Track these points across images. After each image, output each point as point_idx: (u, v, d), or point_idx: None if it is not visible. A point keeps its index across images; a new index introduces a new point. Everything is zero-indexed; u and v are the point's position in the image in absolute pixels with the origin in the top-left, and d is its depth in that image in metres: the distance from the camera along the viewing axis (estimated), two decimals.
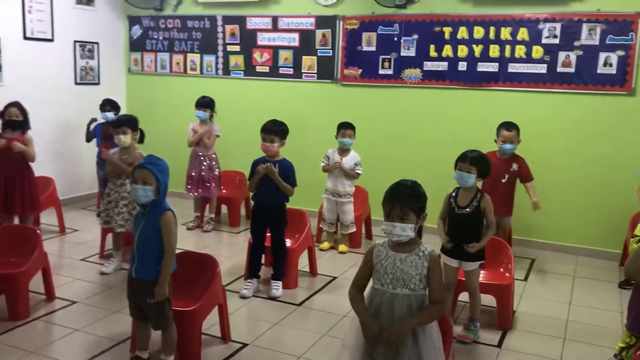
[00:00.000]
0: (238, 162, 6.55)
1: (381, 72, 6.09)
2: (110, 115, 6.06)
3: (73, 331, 3.68)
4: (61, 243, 5.46)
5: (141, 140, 4.76)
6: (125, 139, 4.57)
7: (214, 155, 5.95)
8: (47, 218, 5.88)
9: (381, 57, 6.07)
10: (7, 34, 5.95)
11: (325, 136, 6.11)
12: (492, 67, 5.67)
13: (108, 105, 6.18)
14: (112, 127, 4.67)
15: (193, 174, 5.91)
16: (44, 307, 4.01)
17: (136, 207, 4.58)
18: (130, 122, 4.64)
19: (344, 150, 5.36)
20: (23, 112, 5.02)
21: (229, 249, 5.49)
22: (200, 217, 6.12)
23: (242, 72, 6.78)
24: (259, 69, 6.68)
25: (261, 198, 4.30)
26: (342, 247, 5.40)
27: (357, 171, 5.33)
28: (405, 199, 2.51)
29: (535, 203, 4.86)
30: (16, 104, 5.00)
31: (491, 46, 5.64)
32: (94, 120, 6.26)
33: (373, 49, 6.09)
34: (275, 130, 4.24)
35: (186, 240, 5.54)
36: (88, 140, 6.30)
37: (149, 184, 2.99)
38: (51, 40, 6.44)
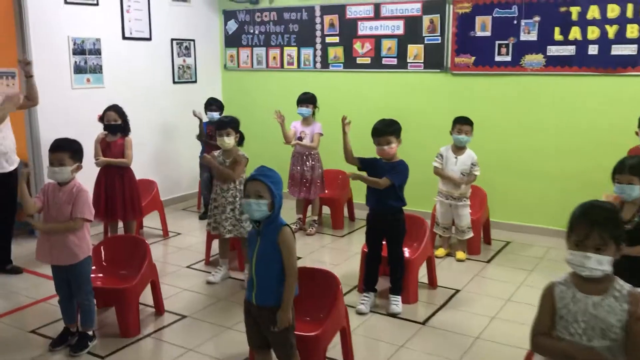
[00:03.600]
0: (340, 161, 6.16)
1: (497, 59, 5.53)
2: (216, 115, 5.91)
3: (185, 351, 3.45)
4: (165, 248, 5.33)
5: (240, 142, 4.49)
6: (229, 140, 4.33)
7: (316, 155, 5.62)
8: (150, 221, 5.77)
9: (497, 42, 5.50)
10: (107, 34, 5.88)
11: (433, 131, 5.67)
12: (630, 49, 4.98)
13: (214, 104, 6.04)
14: (215, 128, 4.44)
15: (295, 174, 5.61)
16: (153, 322, 3.83)
17: (244, 212, 4.33)
18: (233, 124, 4.39)
19: (459, 148, 4.86)
20: (121, 115, 4.89)
21: (335, 255, 5.16)
22: (302, 219, 5.83)
23: (341, 64, 6.40)
24: (359, 60, 6.28)
25: (375, 203, 3.92)
26: (460, 255, 4.93)
27: (475, 172, 4.83)
28: (605, 223, 1.99)
29: None
30: (114, 108, 4.87)
31: (629, 26, 4.95)
32: (197, 114, 6.09)
33: (488, 34, 5.54)
34: (389, 130, 3.83)
35: None
36: (201, 138, 6.13)
37: (263, 197, 2.67)
38: (149, 39, 6.33)
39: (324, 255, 5.15)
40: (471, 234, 4.95)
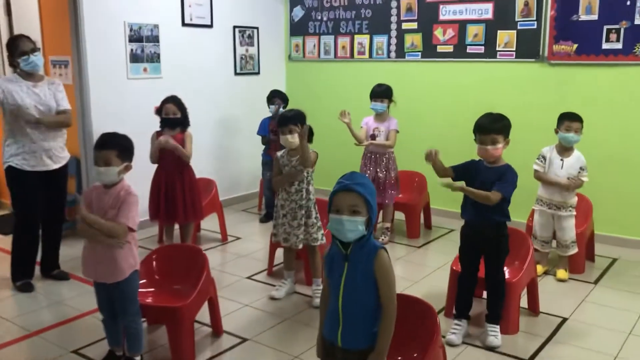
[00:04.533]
0: (416, 161, 5.56)
1: (605, 46, 4.76)
2: (280, 109, 5.41)
3: None
4: (223, 255, 4.84)
5: (309, 139, 3.92)
6: (293, 139, 3.75)
7: (392, 155, 5.01)
8: (207, 223, 5.30)
9: (606, 27, 4.74)
10: (165, 20, 5.43)
11: (526, 130, 4.97)
12: None
13: (277, 97, 5.51)
14: (277, 125, 3.88)
15: (367, 176, 5.01)
16: (210, 346, 3.32)
17: (311, 215, 3.77)
18: (298, 119, 3.81)
19: (565, 149, 4.16)
20: (181, 108, 4.45)
21: (413, 270, 4.53)
22: (373, 226, 5.23)
23: (419, 53, 5.76)
24: (440, 48, 5.62)
25: (473, 215, 3.27)
26: (562, 274, 4.22)
27: (583, 178, 4.11)
28: None
29: None
30: (173, 100, 4.43)
31: None
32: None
33: (594, 17, 4.78)
34: (497, 127, 3.18)
35: None
36: (264, 142, 5.63)
37: (359, 213, 2.09)
38: (210, 26, 5.86)
39: (400, 270, 4.53)
40: (575, 250, 4.23)
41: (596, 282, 4.21)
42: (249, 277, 4.31)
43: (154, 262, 3.41)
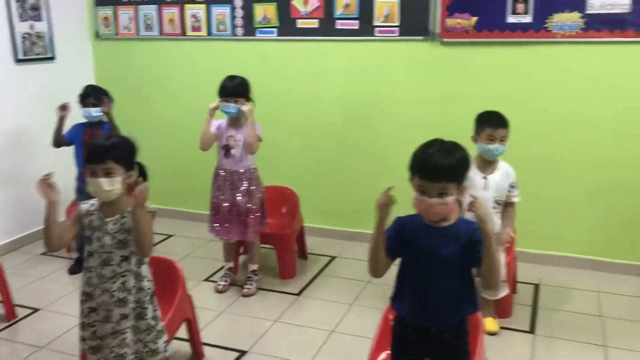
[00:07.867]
0: (276, 173, 4.29)
1: (511, 19, 3.78)
2: (96, 112, 3.78)
3: None
4: (10, 350, 3.13)
5: (141, 177, 2.39)
6: (110, 185, 2.19)
7: (255, 171, 3.64)
8: None
9: None
10: None
11: (417, 132, 3.82)
12: None
13: (92, 96, 3.83)
14: (88, 158, 2.31)
15: (221, 204, 3.60)
16: None
17: (146, 314, 2.30)
18: (121, 149, 2.26)
19: (488, 163, 3.11)
20: None
21: (300, 344, 3.21)
22: (233, 269, 3.87)
23: (274, 30, 4.39)
24: (302, 23, 4.29)
25: (422, 311, 2.00)
26: (492, 325, 3.19)
27: (514, 199, 3.12)
28: None
29: None
30: None
31: None
32: (64, 108, 3.89)
33: None
34: (449, 169, 1.90)
35: (218, 320, 3.33)
36: (57, 144, 3.95)
37: None
38: None
39: (282, 344, 3.20)
40: (506, 291, 3.26)
41: (532, 329, 3.27)
42: None
43: None
